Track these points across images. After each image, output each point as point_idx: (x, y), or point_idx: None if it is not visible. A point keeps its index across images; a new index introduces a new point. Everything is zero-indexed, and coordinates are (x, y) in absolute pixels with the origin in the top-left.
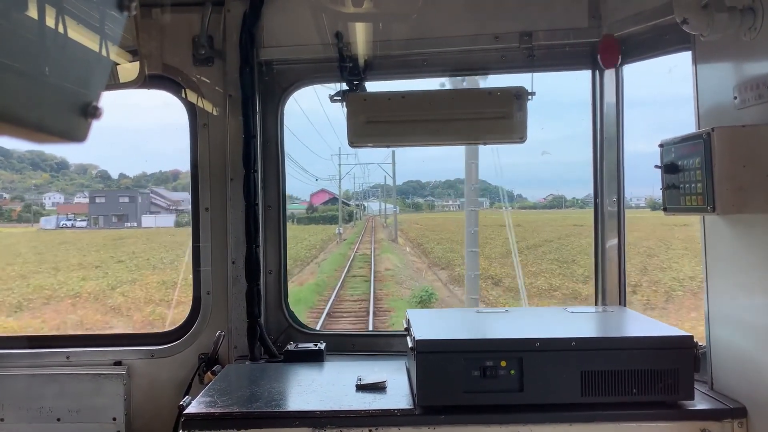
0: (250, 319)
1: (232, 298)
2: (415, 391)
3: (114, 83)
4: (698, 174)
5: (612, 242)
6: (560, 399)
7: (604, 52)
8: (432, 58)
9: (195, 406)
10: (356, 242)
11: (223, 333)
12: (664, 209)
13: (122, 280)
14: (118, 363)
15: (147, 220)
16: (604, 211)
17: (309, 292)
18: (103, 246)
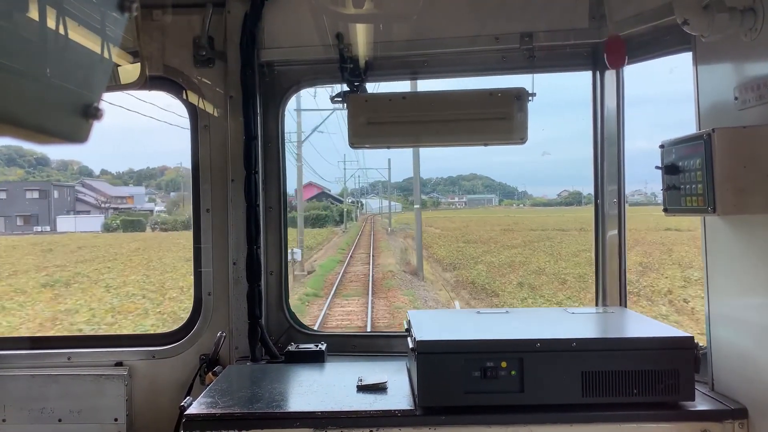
0: (251, 319)
1: (233, 299)
2: (415, 392)
3: (115, 84)
4: (699, 175)
5: (612, 243)
6: (561, 400)
7: (611, 52)
8: (432, 59)
9: (196, 407)
10: (331, 287)
11: (224, 334)
12: (665, 210)
13: None
14: (119, 364)
15: (64, 223)
16: (605, 211)
17: None
18: None
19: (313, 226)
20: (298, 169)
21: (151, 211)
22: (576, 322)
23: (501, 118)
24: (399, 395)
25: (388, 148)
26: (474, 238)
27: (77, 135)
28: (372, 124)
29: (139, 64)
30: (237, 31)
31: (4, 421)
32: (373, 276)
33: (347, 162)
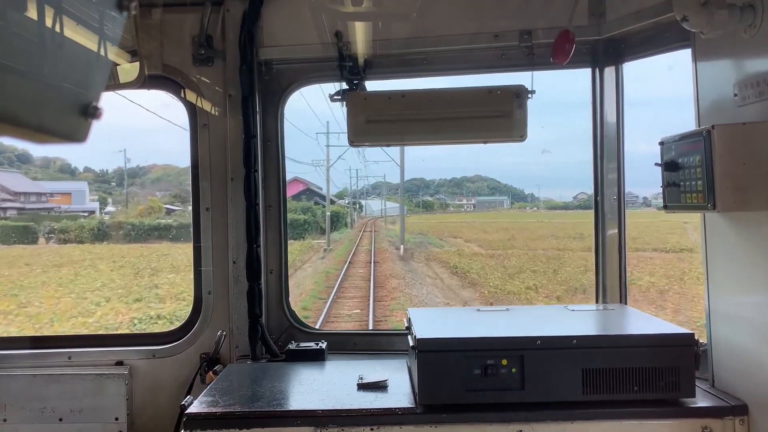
0: (251, 318)
1: (234, 298)
2: (416, 390)
3: (114, 83)
4: (698, 172)
5: (612, 240)
6: (561, 397)
7: (557, 47)
8: (432, 56)
9: (197, 406)
10: None
11: (225, 332)
12: (665, 207)
13: None
14: (119, 363)
15: None
16: (605, 210)
17: None
18: None
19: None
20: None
21: (93, 212)
22: (576, 319)
23: (500, 116)
24: (399, 393)
25: (388, 145)
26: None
27: (76, 134)
28: (371, 122)
29: (137, 63)
30: (236, 30)
31: (5, 420)
32: None
33: (330, 134)
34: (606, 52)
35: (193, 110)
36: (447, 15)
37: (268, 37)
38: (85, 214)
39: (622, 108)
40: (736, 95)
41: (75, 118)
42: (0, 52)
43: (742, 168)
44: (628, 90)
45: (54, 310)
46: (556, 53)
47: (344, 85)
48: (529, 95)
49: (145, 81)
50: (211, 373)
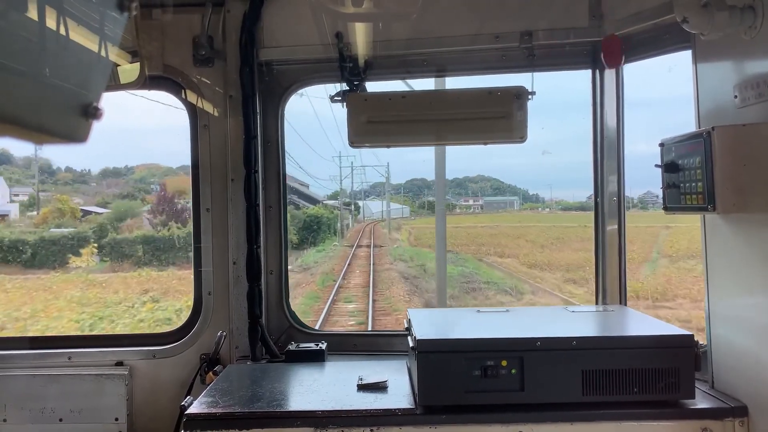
0: (251, 319)
1: (234, 299)
2: (416, 391)
3: (114, 84)
4: (698, 173)
5: (612, 241)
6: (561, 398)
7: (607, 52)
8: (432, 57)
9: (196, 407)
10: None
11: (225, 333)
12: (665, 208)
13: None
14: (119, 363)
15: None
16: (605, 211)
17: None
18: None
19: None
20: None
21: (4, 215)
22: (576, 320)
23: (501, 117)
24: (399, 394)
25: (388, 146)
26: None
27: (77, 134)
28: (372, 123)
29: (138, 63)
30: (236, 31)
31: (5, 420)
32: None
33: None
34: None
35: (193, 111)
36: (447, 16)
37: (268, 37)
38: None
39: (622, 109)
40: (736, 97)
41: (75, 118)
42: (0, 52)
43: (743, 169)
44: (628, 91)
45: None
46: (610, 59)
47: (345, 86)
48: (530, 96)
49: (145, 81)
50: (211, 373)
